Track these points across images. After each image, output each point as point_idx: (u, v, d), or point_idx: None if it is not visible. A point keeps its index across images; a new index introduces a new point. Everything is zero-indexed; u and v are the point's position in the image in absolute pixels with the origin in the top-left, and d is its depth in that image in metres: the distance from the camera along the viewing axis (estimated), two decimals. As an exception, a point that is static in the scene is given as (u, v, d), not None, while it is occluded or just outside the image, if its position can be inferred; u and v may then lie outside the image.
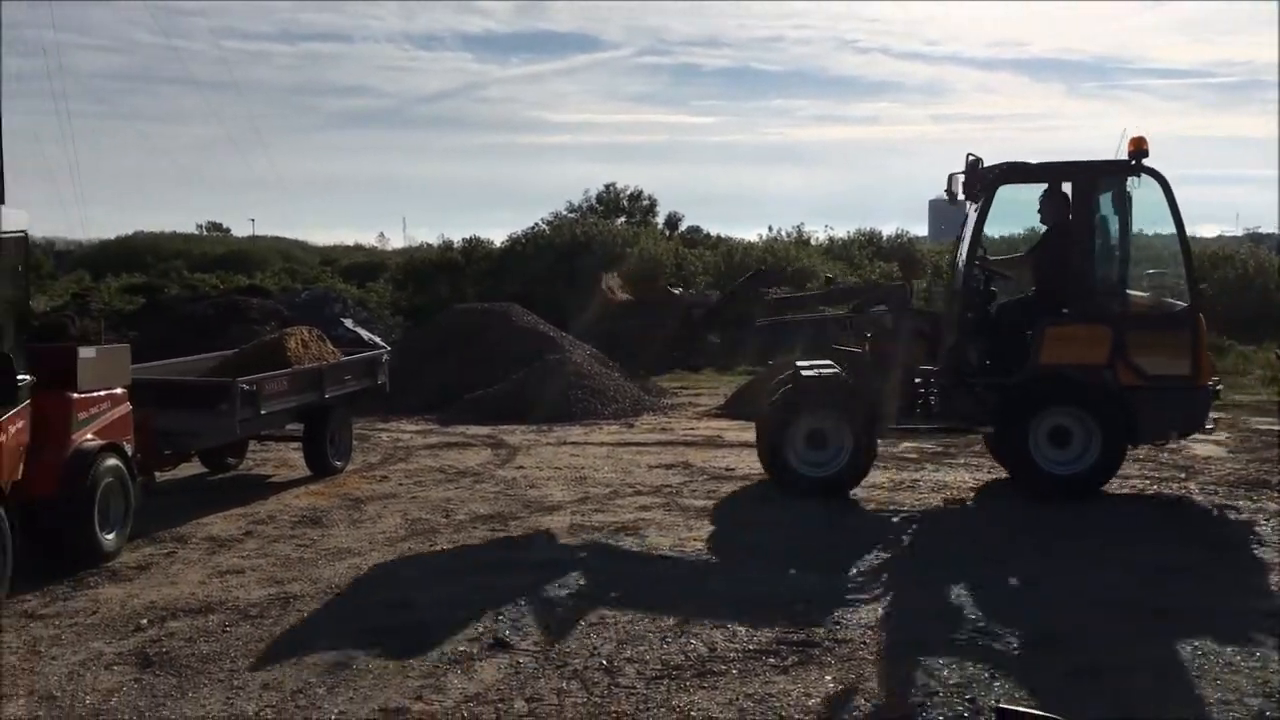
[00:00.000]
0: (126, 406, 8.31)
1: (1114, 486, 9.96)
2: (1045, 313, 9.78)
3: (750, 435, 11.16)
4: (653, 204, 44.82)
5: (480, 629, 6.41)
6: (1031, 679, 5.64)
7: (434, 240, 38.10)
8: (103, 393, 8.03)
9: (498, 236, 31.78)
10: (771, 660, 5.94)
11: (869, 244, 37.21)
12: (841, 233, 37.77)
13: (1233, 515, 9.20)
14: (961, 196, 10.40)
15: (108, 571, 7.57)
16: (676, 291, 11.09)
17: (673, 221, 44.69)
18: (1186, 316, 9.73)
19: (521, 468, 11.44)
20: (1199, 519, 9.27)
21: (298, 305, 23.46)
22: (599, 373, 15.95)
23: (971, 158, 10.14)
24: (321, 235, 69.77)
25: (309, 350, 10.88)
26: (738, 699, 5.44)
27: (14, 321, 7.34)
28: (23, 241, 7.50)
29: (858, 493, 9.91)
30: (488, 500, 9.90)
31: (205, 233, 63.50)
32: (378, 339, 20.92)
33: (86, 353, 7.97)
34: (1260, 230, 55.57)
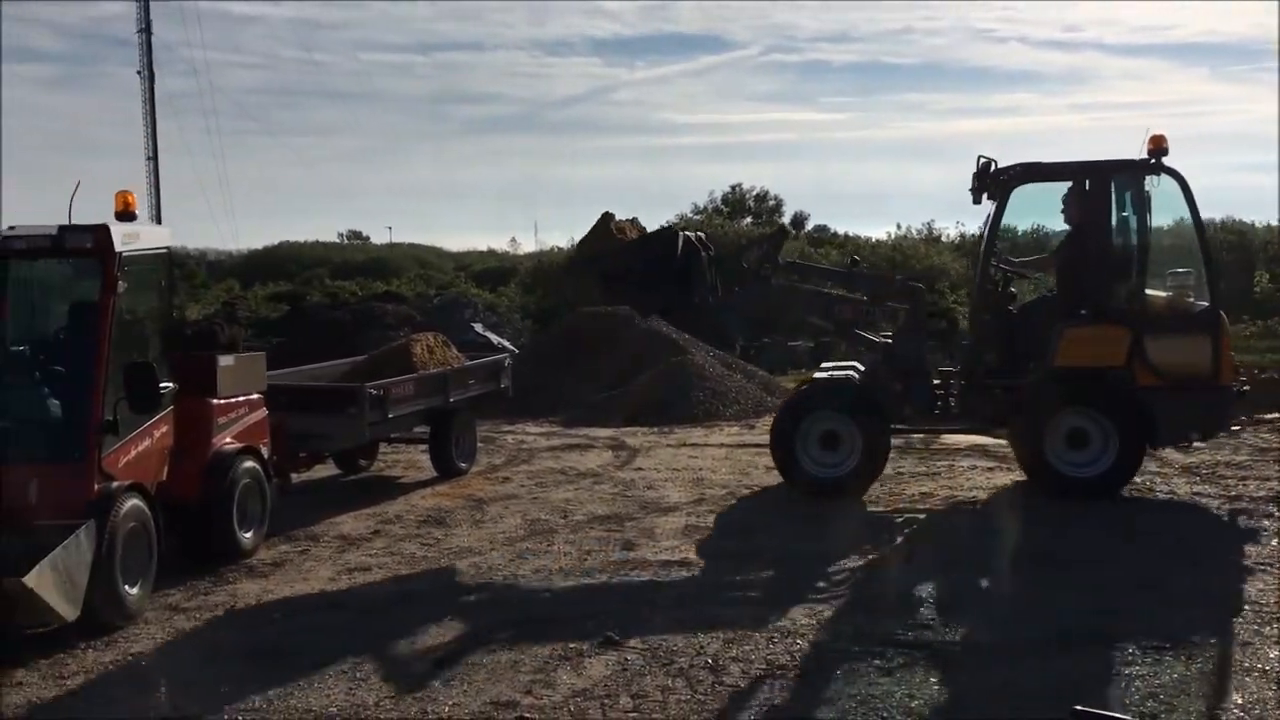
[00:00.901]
0: (263, 411, 8.76)
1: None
2: (1065, 313, 9.70)
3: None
4: (779, 204, 44.73)
5: (590, 627, 6.58)
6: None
7: (564, 244, 38.72)
8: (241, 398, 8.49)
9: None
10: (877, 662, 5.97)
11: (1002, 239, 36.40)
12: (974, 229, 36.98)
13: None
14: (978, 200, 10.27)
15: (245, 567, 8.01)
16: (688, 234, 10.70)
17: (799, 221, 44.50)
18: (1207, 316, 9.56)
19: (640, 469, 11.62)
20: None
21: (431, 310, 24.21)
22: (721, 374, 16.07)
23: (983, 160, 10.04)
24: (456, 241, 71.34)
25: (434, 355, 11.27)
26: (840, 699, 5.49)
27: (159, 332, 7.83)
28: (166, 258, 8.00)
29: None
30: (605, 501, 10.10)
31: (346, 241, 65.63)
32: (506, 343, 21.47)
33: (225, 361, 8.43)
34: None
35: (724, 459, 12.09)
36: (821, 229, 42.34)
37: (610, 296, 11.13)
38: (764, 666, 5.93)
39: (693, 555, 8.26)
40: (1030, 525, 8.97)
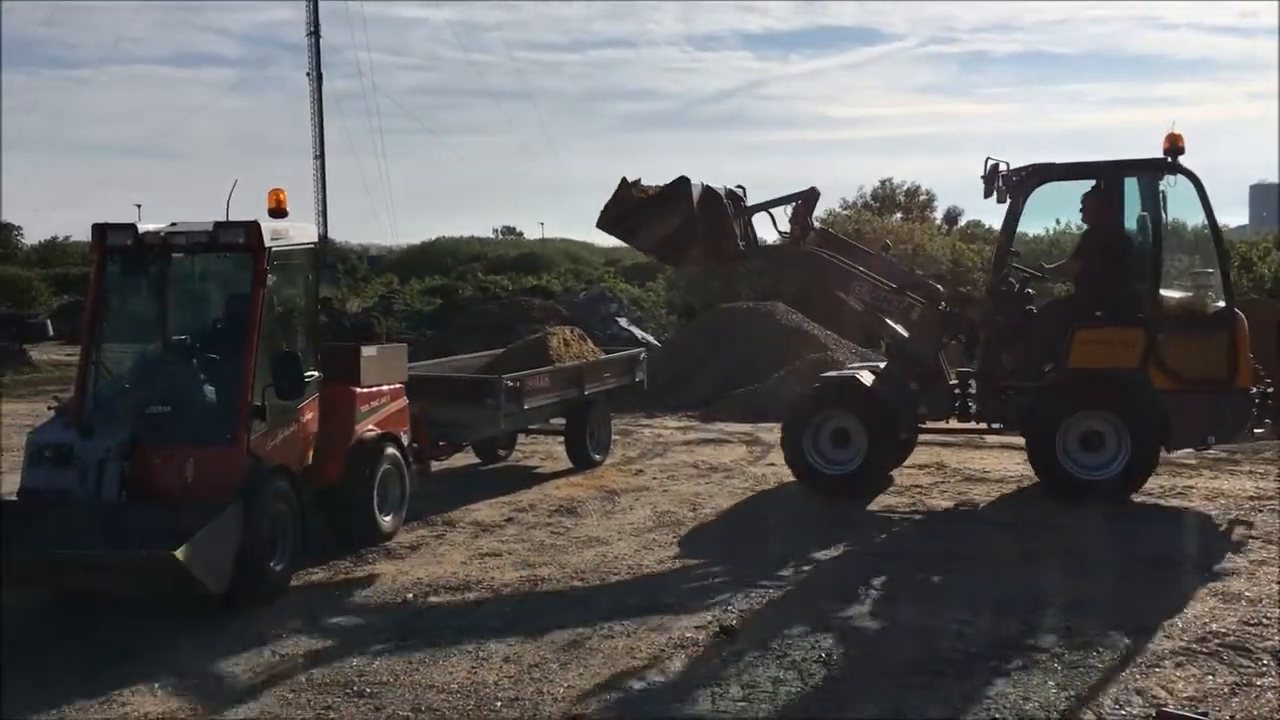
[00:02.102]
0: (404, 400, 9.11)
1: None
2: (1081, 315, 9.53)
3: (1013, 437, 10.88)
4: (930, 198, 43.79)
5: (709, 617, 6.68)
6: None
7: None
8: (383, 387, 8.85)
9: (775, 234, 31.95)
10: (992, 663, 5.90)
11: (1169, 235, 34.93)
12: (1132, 224, 35.59)
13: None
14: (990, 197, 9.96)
15: (384, 549, 8.36)
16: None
17: (952, 216, 43.52)
18: (1222, 317, 9.26)
19: (773, 464, 11.62)
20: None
21: (575, 305, 24.63)
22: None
23: (991, 162, 9.82)
24: (607, 237, 72.09)
25: (570, 349, 11.52)
26: (952, 698, 5.45)
27: (305, 324, 8.25)
28: (313, 253, 8.41)
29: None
30: (735, 496, 10.17)
31: (500, 236, 67.22)
32: (649, 338, 21.72)
33: (368, 351, 8.81)
34: None
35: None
36: (976, 224, 41.30)
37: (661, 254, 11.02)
38: (878, 663, 5.92)
39: (817, 553, 8.26)
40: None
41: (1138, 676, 5.68)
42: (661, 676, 5.79)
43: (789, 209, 10.52)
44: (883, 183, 43.82)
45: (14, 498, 7.26)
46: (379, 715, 5.36)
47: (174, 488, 6.89)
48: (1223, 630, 6.33)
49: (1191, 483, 10.29)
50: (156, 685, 5.79)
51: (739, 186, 10.47)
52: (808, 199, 10.54)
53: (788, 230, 10.54)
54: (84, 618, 6.91)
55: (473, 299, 28.51)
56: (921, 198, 43.68)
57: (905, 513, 9.53)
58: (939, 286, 10.52)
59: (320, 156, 51.62)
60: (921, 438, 12.26)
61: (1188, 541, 8.38)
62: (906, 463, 11.46)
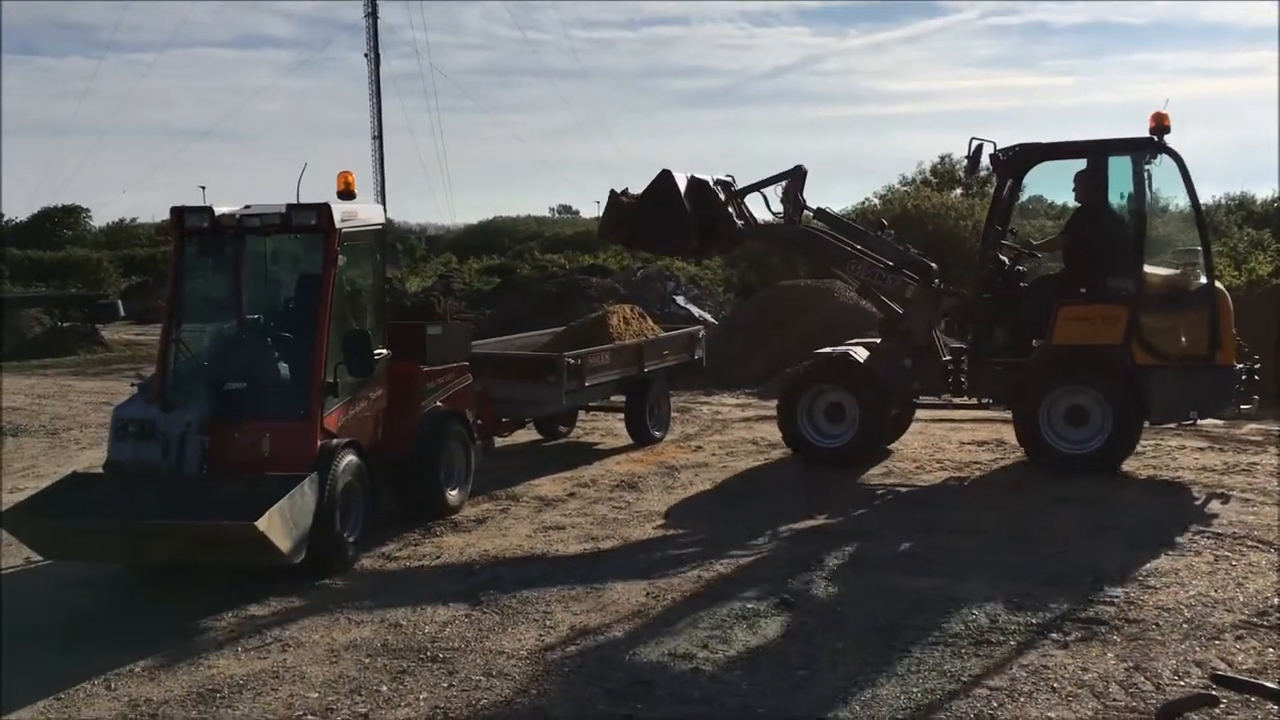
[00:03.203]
0: (468, 378, 9.32)
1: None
2: (1066, 292, 9.75)
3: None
4: (990, 174, 43.16)
5: (770, 589, 6.81)
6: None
7: (769, 216, 38.63)
8: (448, 365, 9.06)
9: (768, 215, 31.76)
10: (1054, 635, 5.97)
11: (1238, 209, 34.31)
12: (1206, 198, 34.95)
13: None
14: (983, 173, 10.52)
15: (451, 523, 8.58)
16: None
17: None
18: (1203, 295, 9.42)
19: (831, 441, 11.69)
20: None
21: (633, 283, 24.74)
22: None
23: (975, 142, 10.01)
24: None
25: (630, 327, 11.67)
26: (1011, 668, 5.54)
27: (372, 303, 8.47)
28: (381, 234, 8.61)
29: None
30: (793, 472, 10.27)
31: (557, 215, 67.46)
32: (707, 315, 21.78)
33: (434, 330, 9.03)
34: None
35: (918, 433, 12.01)
36: (1037, 199, 40.64)
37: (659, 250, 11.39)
38: (937, 634, 6.02)
39: (874, 525, 8.35)
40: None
41: (1197, 649, 5.73)
42: (725, 645, 5.93)
43: (780, 189, 10.80)
44: (942, 158, 43.20)
45: (100, 471, 7.56)
46: (452, 679, 5.56)
47: (252, 461, 7.14)
48: (1285, 605, 6.34)
49: (1257, 460, 10.23)
50: (240, 648, 6.05)
51: (728, 175, 10.78)
52: (796, 177, 10.78)
53: (781, 211, 10.83)
54: (172, 582, 7.22)
55: (530, 278, 28.72)
56: (982, 173, 43.03)
57: (955, 487, 9.58)
58: (933, 265, 10.71)
59: (379, 137, 52.18)
60: (983, 414, 12.31)
61: (1250, 517, 8.34)
62: (966, 440, 11.52)
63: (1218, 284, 9.73)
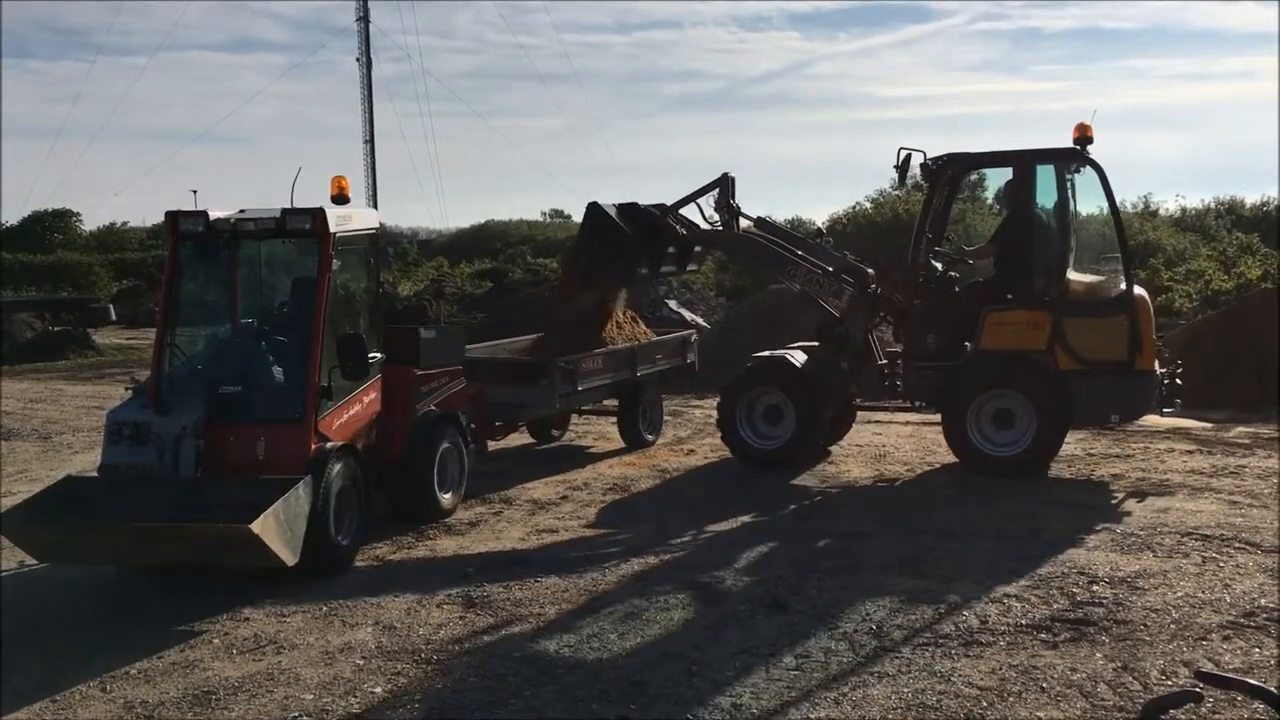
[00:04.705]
0: (461, 381, 9.36)
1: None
2: (994, 298, 9.96)
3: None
4: (981, 178, 43.31)
5: (763, 591, 6.86)
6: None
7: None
8: (442, 369, 9.09)
9: (822, 215, 32.01)
10: (1043, 635, 6.03)
11: (1228, 214, 34.51)
12: (1195, 202, 35.14)
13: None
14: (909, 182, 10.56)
15: (444, 526, 8.61)
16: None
17: (1001, 197, 43.05)
18: (1122, 301, 9.64)
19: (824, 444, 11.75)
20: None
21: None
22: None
23: (904, 152, 10.22)
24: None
25: (623, 331, 11.71)
26: (1001, 669, 5.59)
27: (366, 307, 8.50)
28: (375, 238, 8.65)
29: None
30: (788, 474, 10.31)
31: (549, 219, 67.34)
32: (699, 319, 21.82)
33: (427, 334, 9.07)
34: None
35: (909, 436, 12.10)
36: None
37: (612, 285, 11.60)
38: (927, 635, 6.07)
39: (868, 527, 8.40)
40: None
41: (1185, 649, 5.79)
42: (718, 646, 5.98)
43: (712, 198, 11.11)
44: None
45: (95, 474, 7.59)
46: (446, 680, 5.60)
47: (247, 464, 7.17)
48: (1271, 605, 6.41)
49: (1244, 462, 10.31)
50: (235, 651, 6.08)
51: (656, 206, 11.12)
52: (723, 185, 11.11)
53: (717, 220, 11.13)
54: (167, 585, 7.25)
55: (522, 281, 28.76)
56: (973, 176, 43.17)
57: (945, 492, 9.65)
58: (869, 270, 10.82)
59: (370, 140, 52.08)
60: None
61: (1237, 519, 8.41)
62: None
63: (1138, 290, 9.86)
